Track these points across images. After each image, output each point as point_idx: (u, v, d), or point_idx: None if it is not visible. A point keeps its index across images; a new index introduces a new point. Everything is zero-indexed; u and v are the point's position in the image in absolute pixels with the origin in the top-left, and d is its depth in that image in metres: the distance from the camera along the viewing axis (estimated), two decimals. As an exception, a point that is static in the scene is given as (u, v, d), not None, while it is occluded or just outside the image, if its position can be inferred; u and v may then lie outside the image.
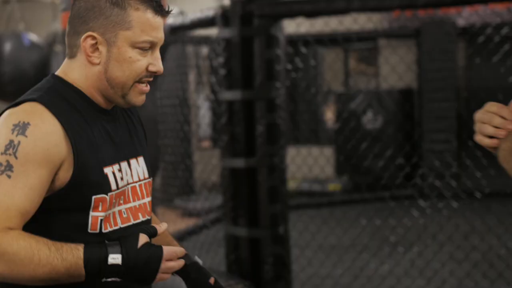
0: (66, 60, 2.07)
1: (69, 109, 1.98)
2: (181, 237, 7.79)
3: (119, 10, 1.96)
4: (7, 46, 8.88)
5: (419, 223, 7.24)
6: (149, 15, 1.97)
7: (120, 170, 2.07)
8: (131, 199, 2.12)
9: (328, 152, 10.84)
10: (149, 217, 2.18)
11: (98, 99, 2.06)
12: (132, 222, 2.09)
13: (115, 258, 1.91)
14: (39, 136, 1.89)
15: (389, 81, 10.91)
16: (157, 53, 2.04)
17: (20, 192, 1.87)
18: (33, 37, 9.25)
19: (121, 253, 1.92)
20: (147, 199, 2.19)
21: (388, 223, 7.55)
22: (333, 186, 10.56)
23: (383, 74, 11.29)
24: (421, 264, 6.14)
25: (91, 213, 1.97)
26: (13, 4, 9.53)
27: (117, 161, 2.07)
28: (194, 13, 6.03)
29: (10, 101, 9.09)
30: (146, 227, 2.09)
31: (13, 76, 8.75)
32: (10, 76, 8.77)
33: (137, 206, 2.13)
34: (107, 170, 2.00)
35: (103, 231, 2.01)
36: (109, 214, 2.03)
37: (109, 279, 1.94)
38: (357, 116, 10.71)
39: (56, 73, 2.07)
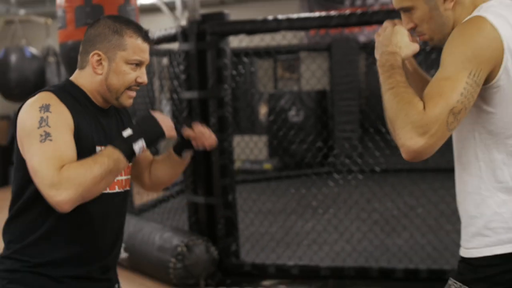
0: (77, 70, 2.17)
1: (73, 101, 2.07)
2: (153, 204, 7.78)
3: (118, 37, 2.09)
4: (13, 58, 8.79)
5: (334, 191, 7.31)
6: (139, 42, 2.11)
7: None
8: (123, 173, 2.19)
9: (263, 139, 10.82)
10: (123, 190, 2.22)
11: (98, 100, 2.15)
12: (108, 191, 2.13)
13: (129, 133, 2.04)
14: (58, 111, 1.99)
15: (308, 84, 10.96)
16: (143, 69, 2.15)
17: (63, 147, 1.95)
18: (32, 50, 9.15)
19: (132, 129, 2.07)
20: (124, 177, 2.22)
21: (310, 192, 7.59)
22: (267, 166, 10.59)
23: (303, 79, 11.31)
24: (335, 222, 6.19)
25: None
26: (16, 25, 9.42)
27: (105, 144, 2.11)
28: (159, 31, 6.03)
29: (16, 101, 9.02)
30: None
31: (18, 81, 8.67)
32: (15, 81, 8.69)
33: (115, 181, 2.14)
34: (98, 149, 2.08)
35: None
36: None
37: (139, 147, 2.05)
38: (284, 112, 10.69)
39: (70, 78, 2.17)
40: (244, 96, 11.85)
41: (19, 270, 2.10)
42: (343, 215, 6.35)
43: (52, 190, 1.88)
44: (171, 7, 10.16)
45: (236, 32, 5.37)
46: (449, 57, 1.79)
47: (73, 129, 2.03)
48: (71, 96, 2.09)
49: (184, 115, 5.41)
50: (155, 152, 6.50)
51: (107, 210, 2.19)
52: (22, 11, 9.87)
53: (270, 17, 5.23)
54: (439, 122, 1.71)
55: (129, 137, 2.04)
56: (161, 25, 7.91)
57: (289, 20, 5.25)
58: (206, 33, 5.25)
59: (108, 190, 2.14)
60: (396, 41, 1.90)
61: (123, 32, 2.11)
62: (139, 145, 2.03)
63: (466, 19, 1.84)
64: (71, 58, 4.73)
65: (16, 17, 9.52)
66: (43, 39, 10.40)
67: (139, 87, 2.17)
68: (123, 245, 5.56)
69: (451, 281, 1.97)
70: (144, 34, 2.14)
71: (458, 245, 4.98)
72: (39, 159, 1.92)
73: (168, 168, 2.40)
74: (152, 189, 2.50)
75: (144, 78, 2.14)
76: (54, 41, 10.44)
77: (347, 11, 5.68)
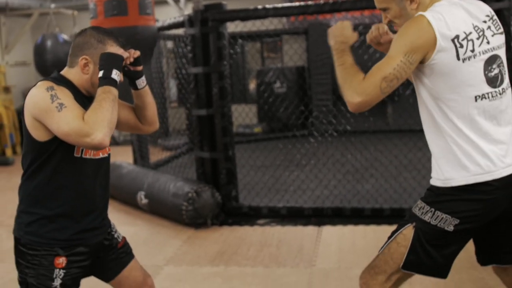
0: (67, 67, 2.23)
1: (68, 88, 2.11)
2: (167, 160, 7.80)
3: (102, 45, 2.16)
4: (49, 43, 8.75)
5: (314, 147, 7.36)
6: (118, 49, 2.18)
7: None
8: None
9: (253, 108, 10.89)
10: (107, 155, 2.28)
11: (83, 91, 2.20)
12: (96, 157, 2.21)
13: (101, 73, 2.10)
14: (61, 89, 2.07)
15: (290, 61, 10.98)
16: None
17: (77, 108, 2.04)
18: (65, 36, 9.12)
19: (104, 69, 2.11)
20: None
21: (295, 147, 7.68)
22: (257, 129, 10.58)
23: (286, 57, 11.32)
24: (315, 172, 6.27)
25: (76, 146, 2.13)
26: (51, 16, 9.38)
27: None
28: (169, 19, 6.04)
29: (51, 78, 8.97)
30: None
31: (52, 62, 8.65)
32: (51, 62, 8.67)
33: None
34: None
35: (83, 156, 2.17)
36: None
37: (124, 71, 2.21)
38: (270, 84, 10.66)
39: (60, 72, 2.22)
40: (237, 72, 11.77)
41: (34, 222, 2.17)
42: (321, 166, 6.42)
43: (89, 137, 1.97)
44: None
45: (233, 19, 5.37)
46: (393, 43, 2.04)
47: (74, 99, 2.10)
48: (63, 83, 2.14)
49: (191, 86, 5.45)
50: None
51: (97, 171, 2.25)
52: (52, 5, 9.79)
53: (259, 6, 5.28)
54: (373, 86, 1.98)
55: (104, 73, 2.10)
56: (168, 15, 7.91)
57: (275, 8, 5.30)
58: (208, 20, 5.28)
59: (96, 156, 2.22)
60: (344, 33, 2.16)
61: (105, 42, 2.16)
62: (115, 74, 2.12)
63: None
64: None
65: (50, 10, 9.46)
66: (71, 27, 10.37)
67: None
68: (143, 192, 5.67)
69: (419, 201, 2.15)
70: (121, 43, 2.22)
71: (414, 188, 5.13)
72: (65, 123, 1.99)
73: (141, 104, 2.40)
74: (150, 128, 2.48)
75: (121, 77, 2.18)
76: (80, 29, 10.45)
77: (321, 1, 5.75)
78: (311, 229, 5.00)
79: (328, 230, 4.91)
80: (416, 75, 2.10)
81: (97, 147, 2.01)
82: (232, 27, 6.27)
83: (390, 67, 1.98)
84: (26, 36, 11.50)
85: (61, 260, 2.18)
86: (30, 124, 2.10)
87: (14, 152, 10.29)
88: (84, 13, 11.15)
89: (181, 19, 5.55)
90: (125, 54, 2.20)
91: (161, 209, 5.46)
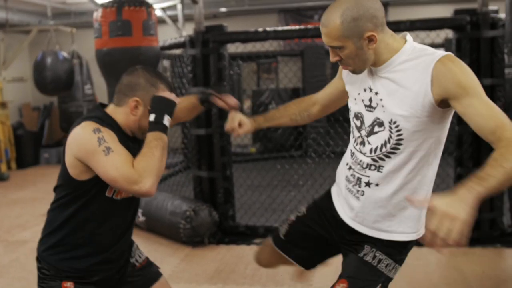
0: (113, 105, 2.19)
1: (110, 128, 2.10)
2: (164, 178, 7.78)
3: (154, 89, 2.13)
4: (48, 60, 8.79)
5: (311, 167, 7.35)
6: (168, 93, 2.14)
7: None
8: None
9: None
10: (129, 196, 2.24)
11: (127, 131, 2.18)
12: (118, 198, 2.19)
13: (153, 116, 2.10)
14: (107, 130, 2.04)
15: (284, 83, 11.07)
16: None
17: (124, 153, 2.02)
18: (64, 54, 9.18)
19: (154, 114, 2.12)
20: None
21: (292, 168, 7.71)
22: (252, 149, 10.59)
23: (282, 78, 11.42)
24: (312, 192, 6.26)
25: (109, 186, 2.12)
26: (51, 33, 9.45)
27: None
28: (169, 39, 6.12)
29: (50, 95, 8.98)
30: None
31: (52, 79, 8.67)
32: (50, 79, 8.69)
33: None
34: None
35: (114, 197, 2.17)
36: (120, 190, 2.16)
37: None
38: (265, 105, 10.72)
39: (105, 109, 2.19)
40: (231, 93, 11.78)
41: (54, 247, 2.21)
42: (318, 186, 6.43)
43: (138, 185, 1.95)
44: (174, 19, 10.21)
45: (233, 41, 5.44)
46: (469, 85, 1.86)
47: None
48: (108, 124, 2.11)
49: (191, 106, 5.50)
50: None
51: (126, 209, 2.27)
52: (51, 22, 9.85)
53: (260, 29, 5.37)
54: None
55: (156, 118, 2.07)
56: (166, 34, 7.99)
57: (275, 31, 5.39)
58: (209, 41, 5.36)
59: (127, 196, 2.21)
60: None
61: (158, 86, 2.13)
62: (166, 120, 2.08)
63: (438, 57, 1.90)
64: (105, 61, 4.87)
65: (51, 27, 9.54)
66: (69, 44, 10.45)
67: None
68: (140, 210, 5.69)
69: (385, 258, 2.19)
70: (171, 87, 2.19)
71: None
72: (114, 168, 1.97)
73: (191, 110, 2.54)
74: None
75: (171, 123, 2.16)
76: (77, 47, 10.52)
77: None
78: (307, 249, 5.05)
79: (324, 250, 4.95)
80: (433, 119, 1.97)
81: (145, 195, 1.99)
82: (229, 47, 6.33)
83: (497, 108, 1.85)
84: (24, 52, 11.57)
85: (68, 285, 2.21)
86: (70, 163, 2.09)
87: (9, 167, 10.31)
88: (82, 30, 11.26)
89: (182, 39, 5.62)
90: (177, 99, 2.16)
91: (158, 227, 5.48)
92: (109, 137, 2.03)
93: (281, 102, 10.72)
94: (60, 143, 11.37)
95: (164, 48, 6.02)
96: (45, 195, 7.96)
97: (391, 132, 2.00)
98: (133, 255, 2.45)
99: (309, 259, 2.41)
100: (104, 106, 2.24)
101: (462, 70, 1.86)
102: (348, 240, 2.26)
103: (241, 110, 5.37)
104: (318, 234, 2.36)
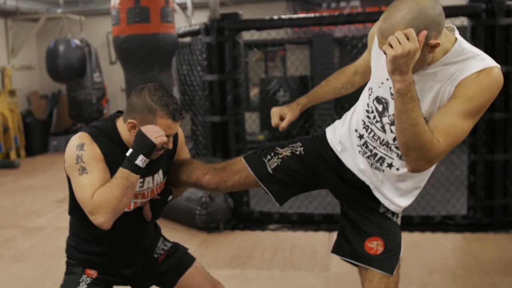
0: (122, 118, 2.17)
1: (106, 142, 2.11)
2: None
3: (151, 115, 2.06)
4: (61, 47, 8.85)
5: None
6: (169, 122, 2.07)
7: (142, 182, 2.19)
8: (148, 196, 2.25)
9: (255, 115, 10.98)
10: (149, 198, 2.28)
11: (130, 145, 2.11)
12: (128, 210, 2.20)
13: (129, 152, 2.06)
14: (90, 148, 2.06)
15: (291, 71, 11.09)
16: (171, 138, 2.14)
17: (96, 176, 2.03)
18: (77, 41, 9.22)
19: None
20: (146, 200, 2.27)
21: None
22: (260, 137, 10.62)
23: (290, 66, 11.42)
24: None
25: None
26: (64, 21, 9.49)
27: (143, 177, 2.18)
28: (183, 27, 6.15)
29: (63, 82, 9.06)
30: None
31: (65, 66, 8.75)
32: (63, 66, 8.77)
33: (146, 201, 2.26)
34: None
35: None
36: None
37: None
38: (273, 93, 10.75)
39: (116, 122, 2.18)
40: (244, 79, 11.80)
41: (73, 246, 2.31)
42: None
43: (92, 216, 1.99)
44: (183, 7, 10.22)
45: (248, 28, 5.47)
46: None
47: (103, 161, 2.07)
48: (106, 137, 2.12)
49: (205, 93, 5.55)
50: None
51: (138, 215, 2.29)
52: (59, 10, 9.89)
53: (275, 17, 5.39)
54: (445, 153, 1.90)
55: (130, 156, 2.04)
56: (176, 23, 7.99)
57: (290, 19, 5.43)
58: (224, 28, 5.39)
59: (127, 209, 2.19)
60: (411, 68, 1.78)
61: (156, 113, 2.05)
62: (140, 160, 2.03)
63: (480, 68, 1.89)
64: (123, 48, 4.89)
65: (63, 15, 9.56)
66: (78, 33, 10.48)
67: (165, 149, 2.17)
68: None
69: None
70: (174, 116, 2.08)
71: (422, 197, 5.07)
72: (80, 190, 2.02)
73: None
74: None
75: (169, 146, 2.14)
76: (86, 34, 10.55)
77: (336, 13, 5.87)
78: (322, 235, 5.11)
79: (340, 236, 5.01)
80: None
81: (99, 227, 2.01)
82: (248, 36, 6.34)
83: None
84: (31, 40, 11.60)
85: (92, 272, 2.29)
86: (67, 172, 2.13)
87: (18, 155, 10.37)
88: (91, 18, 11.29)
89: (196, 27, 5.64)
90: (159, 140, 2.06)
91: (174, 213, 5.52)
92: (89, 157, 2.04)
93: (289, 90, 10.77)
94: (69, 131, 11.42)
95: (181, 35, 6.04)
96: (56, 182, 8.03)
97: None
98: (158, 251, 2.47)
99: (286, 195, 2.37)
100: (121, 113, 2.23)
101: (485, 88, 1.86)
102: (350, 186, 2.29)
103: (247, 98, 5.42)
104: (308, 175, 2.35)
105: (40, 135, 10.90)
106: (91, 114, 10.29)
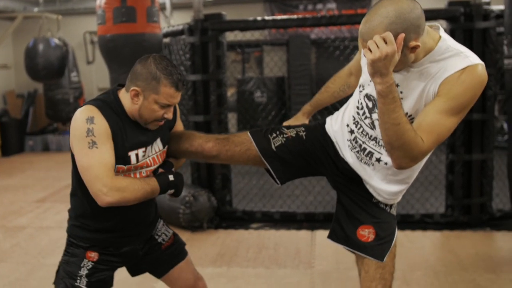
0: (124, 89, 2.20)
1: (113, 115, 2.13)
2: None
3: (155, 83, 2.08)
4: (40, 46, 8.74)
5: None
6: (172, 91, 2.10)
7: (144, 151, 2.22)
8: (151, 164, 2.26)
9: (231, 115, 10.92)
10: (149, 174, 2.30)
11: (133, 117, 2.18)
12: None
13: (171, 178, 2.20)
14: (100, 123, 2.07)
15: (266, 72, 11.11)
16: (171, 108, 2.17)
17: (106, 154, 2.06)
18: (56, 40, 9.12)
19: (173, 175, 2.22)
20: (161, 160, 2.32)
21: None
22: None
23: (266, 67, 11.47)
24: (308, 178, 6.41)
25: (116, 168, 2.13)
26: (43, 19, 9.39)
27: (144, 146, 2.21)
28: (167, 27, 6.14)
29: (41, 81, 8.95)
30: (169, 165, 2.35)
31: (44, 65, 8.64)
32: (42, 65, 8.66)
33: (153, 168, 2.27)
34: (131, 153, 2.17)
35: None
36: (130, 173, 2.20)
37: (169, 192, 2.21)
38: (251, 93, 10.81)
39: (118, 93, 2.21)
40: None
41: (76, 226, 2.31)
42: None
43: (102, 190, 2.01)
44: (162, 8, 10.18)
45: (232, 29, 5.50)
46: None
47: (111, 137, 2.10)
48: (112, 110, 2.14)
49: (189, 93, 5.55)
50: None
51: None
52: (36, 9, 9.77)
53: (259, 18, 5.41)
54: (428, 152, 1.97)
55: (171, 182, 2.17)
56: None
57: (274, 20, 5.47)
58: (208, 29, 5.40)
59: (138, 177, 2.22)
60: (391, 70, 1.84)
61: (161, 81, 2.08)
62: (170, 190, 2.18)
63: (464, 66, 1.91)
64: (108, 48, 4.87)
65: (42, 14, 9.46)
66: (55, 32, 10.37)
67: (165, 120, 2.21)
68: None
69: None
70: (178, 85, 2.12)
71: (412, 194, 5.06)
72: (89, 161, 2.02)
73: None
74: None
75: (169, 115, 2.17)
76: (63, 34, 10.44)
77: (319, 14, 5.94)
78: (304, 233, 5.16)
79: (322, 234, 5.05)
80: None
81: (97, 200, 2.04)
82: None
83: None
84: (7, 39, 11.44)
85: (93, 255, 2.30)
86: (71, 142, 2.14)
87: (-6, 154, 10.24)
88: (68, 17, 11.18)
89: (180, 27, 5.64)
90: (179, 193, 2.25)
91: (157, 212, 5.51)
92: (100, 131, 2.06)
93: (266, 91, 10.82)
94: (45, 131, 11.29)
95: (165, 35, 6.02)
96: (35, 181, 7.95)
97: None
98: (159, 234, 2.50)
99: (286, 174, 2.40)
100: (122, 86, 2.26)
101: (468, 86, 1.89)
102: (344, 175, 2.34)
103: (224, 98, 5.46)
104: (308, 159, 2.39)
105: (16, 135, 10.76)
106: (68, 113, 10.20)
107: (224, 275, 4.23)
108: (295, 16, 5.46)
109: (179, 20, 9.25)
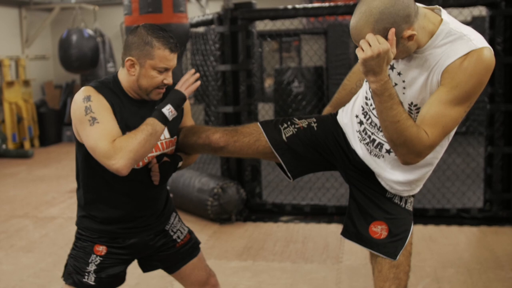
0: (120, 67, 2.20)
1: (111, 93, 2.13)
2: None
3: (149, 48, 2.08)
4: (74, 37, 8.85)
5: None
6: (166, 53, 2.10)
7: None
8: (153, 151, 2.24)
9: (268, 106, 10.92)
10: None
11: (132, 94, 2.18)
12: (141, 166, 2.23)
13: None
14: (97, 99, 2.07)
15: (305, 61, 11.01)
16: (170, 73, 2.15)
17: (108, 125, 2.05)
18: (90, 31, 9.23)
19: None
20: (167, 150, 2.30)
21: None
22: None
23: (304, 57, 11.37)
24: None
25: None
26: (77, 10, 9.51)
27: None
28: (197, 17, 6.12)
29: (75, 72, 9.09)
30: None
31: (77, 56, 8.75)
32: (75, 56, 8.77)
33: (156, 155, 2.25)
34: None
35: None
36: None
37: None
38: (288, 83, 10.73)
39: (117, 72, 2.22)
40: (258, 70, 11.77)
41: (84, 217, 2.32)
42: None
43: (110, 160, 1.99)
44: (197, -3, 10.20)
45: (262, 18, 5.44)
46: None
47: (111, 111, 2.10)
48: (110, 89, 2.15)
49: (218, 83, 5.53)
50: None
51: (144, 185, 2.28)
52: (73, 0, 9.91)
53: (289, 6, 5.36)
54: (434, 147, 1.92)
55: (159, 106, 2.12)
56: (190, 12, 7.97)
57: (304, 9, 5.40)
58: (237, 18, 5.37)
59: (137, 166, 2.21)
60: (385, 68, 1.83)
61: (153, 44, 2.08)
62: (167, 109, 2.10)
63: (467, 50, 1.85)
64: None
65: (76, 5, 9.58)
66: (92, 23, 10.49)
67: (166, 86, 2.19)
68: (168, 187, 5.77)
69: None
70: (171, 46, 2.12)
71: (438, 189, 5.00)
72: (94, 138, 2.02)
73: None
74: None
75: (169, 80, 2.15)
76: (100, 24, 10.56)
77: (351, 2, 5.82)
78: (335, 227, 5.09)
79: (353, 229, 4.98)
80: None
81: (116, 173, 2.02)
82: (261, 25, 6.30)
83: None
84: (46, 30, 11.65)
85: (101, 248, 2.30)
86: (74, 128, 2.15)
87: (32, 145, 10.45)
88: (105, 8, 11.30)
89: (209, 17, 5.62)
90: (188, 90, 2.18)
91: (185, 204, 5.53)
92: (98, 106, 2.07)
93: (304, 81, 10.73)
94: (82, 121, 11.45)
95: (191, 25, 6.03)
96: (69, 172, 8.07)
97: (411, 114, 1.99)
98: (175, 230, 2.48)
99: (298, 167, 2.33)
100: None
101: (471, 73, 1.81)
102: (357, 169, 2.26)
103: (261, 88, 5.40)
104: (320, 151, 2.31)
105: (54, 125, 10.96)
106: (105, 104, 10.30)
107: (248, 269, 4.20)
108: (326, 4, 5.35)
109: (215, 9, 9.22)
